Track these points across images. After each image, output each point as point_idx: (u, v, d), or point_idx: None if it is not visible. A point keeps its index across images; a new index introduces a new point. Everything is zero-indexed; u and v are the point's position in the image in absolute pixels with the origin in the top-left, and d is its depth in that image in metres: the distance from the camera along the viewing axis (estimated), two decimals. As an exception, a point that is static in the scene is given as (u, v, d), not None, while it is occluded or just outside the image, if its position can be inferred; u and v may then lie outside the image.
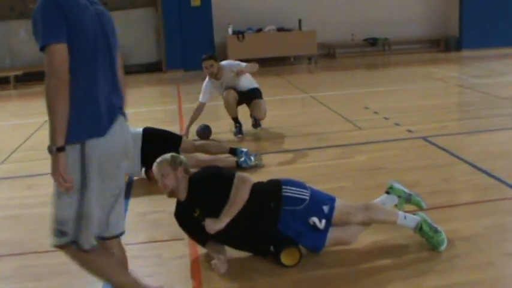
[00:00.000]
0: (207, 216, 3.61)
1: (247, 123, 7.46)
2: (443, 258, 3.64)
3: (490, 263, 3.56)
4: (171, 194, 3.78)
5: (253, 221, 3.63)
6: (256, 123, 7.54)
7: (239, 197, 3.59)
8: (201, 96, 7.24)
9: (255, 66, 7.22)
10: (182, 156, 3.94)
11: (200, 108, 7.23)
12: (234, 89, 7.17)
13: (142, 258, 3.95)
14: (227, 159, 5.82)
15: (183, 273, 3.65)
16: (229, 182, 3.64)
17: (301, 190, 3.72)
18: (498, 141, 6.35)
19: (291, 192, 3.68)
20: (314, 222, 3.60)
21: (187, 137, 6.77)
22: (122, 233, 2.96)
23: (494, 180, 5.02)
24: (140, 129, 5.73)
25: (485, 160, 5.53)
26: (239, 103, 7.29)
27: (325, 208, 3.66)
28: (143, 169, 5.70)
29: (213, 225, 3.55)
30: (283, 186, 3.71)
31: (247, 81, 7.29)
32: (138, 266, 3.81)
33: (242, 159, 5.76)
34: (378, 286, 3.34)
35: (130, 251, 3.99)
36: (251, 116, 7.50)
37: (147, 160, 5.54)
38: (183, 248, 4.01)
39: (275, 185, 3.76)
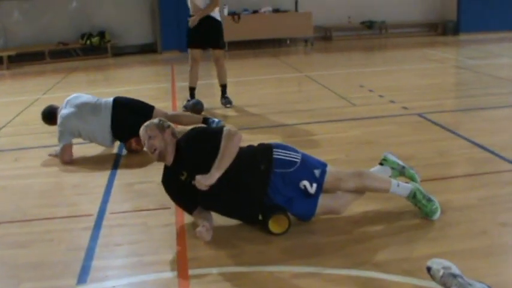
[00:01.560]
0: (194, 178, 3.48)
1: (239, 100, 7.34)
2: (435, 227, 3.55)
3: (483, 232, 3.47)
4: (160, 157, 3.67)
5: (243, 185, 3.52)
6: (225, 99, 7.37)
7: (229, 150, 3.47)
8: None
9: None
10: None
11: None
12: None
13: (126, 226, 3.86)
14: None
15: (168, 241, 3.54)
16: (217, 138, 3.53)
17: (292, 153, 3.63)
18: (494, 119, 6.24)
19: (282, 155, 3.58)
20: (305, 186, 3.50)
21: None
22: None
23: (489, 154, 4.92)
24: (111, 99, 5.54)
25: (480, 136, 5.43)
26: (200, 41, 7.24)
27: (317, 172, 3.56)
28: (116, 142, 5.59)
29: (204, 180, 3.40)
30: (274, 149, 3.62)
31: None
32: (121, 233, 3.75)
33: None
34: (368, 254, 3.25)
35: (115, 220, 3.96)
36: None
37: (118, 131, 5.41)
38: (170, 216, 3.90)
39: (265, 148, 3.67)
